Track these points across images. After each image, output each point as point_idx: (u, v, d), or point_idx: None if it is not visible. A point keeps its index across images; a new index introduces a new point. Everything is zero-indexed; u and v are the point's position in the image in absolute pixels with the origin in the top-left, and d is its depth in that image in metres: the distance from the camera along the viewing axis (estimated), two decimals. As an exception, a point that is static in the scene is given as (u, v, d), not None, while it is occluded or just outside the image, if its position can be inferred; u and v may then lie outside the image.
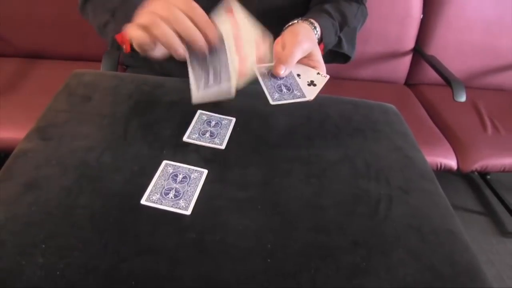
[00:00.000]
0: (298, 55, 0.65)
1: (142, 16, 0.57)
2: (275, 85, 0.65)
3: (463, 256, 0.52)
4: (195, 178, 0.55)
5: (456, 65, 1.63)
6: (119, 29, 0.65)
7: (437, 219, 0.57)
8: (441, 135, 1.40)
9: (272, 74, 0.66)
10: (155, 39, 0.56)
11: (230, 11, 0.63)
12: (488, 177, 1.91)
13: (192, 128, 0.65)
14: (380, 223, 0.54)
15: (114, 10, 0.69)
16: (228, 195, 0.54)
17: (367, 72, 1.67)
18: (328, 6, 0.81)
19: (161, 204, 0.51)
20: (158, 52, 0.62)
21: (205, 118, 0.68)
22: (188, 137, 0.63)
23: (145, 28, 0.56)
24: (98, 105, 0.67)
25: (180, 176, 0.55)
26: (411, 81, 1.73)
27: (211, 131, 0.65)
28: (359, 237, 0.51)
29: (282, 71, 0.65)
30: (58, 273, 0.42)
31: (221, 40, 0.60)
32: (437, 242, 0.53)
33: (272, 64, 0.66)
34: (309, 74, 0.68)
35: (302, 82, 0.66)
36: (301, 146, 0.65)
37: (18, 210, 0.47)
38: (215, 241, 0.47)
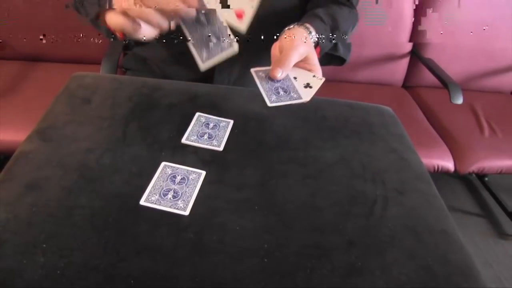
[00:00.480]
0: (295, 59, 0.67)
1: (117, 2, 0.59)
2: (273, 88, 0.66)
3: (457, 256, 0.53)
4: (193, 179, 0.56)
5: (453, 68, 1.65)
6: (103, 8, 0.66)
7: (431, 219, 0.58)
8: (438, 137, 1.41)
9: (269, 77, 0.67)
10: (135, 20, 0.58)
11: None
12: (486, 179, 1.92)
13: (191, 130, 0.66)
14: (375, 223, 0.55)
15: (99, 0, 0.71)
16: (226, 196, 0.55)
17: (365, 74, 1.68)
18: (319, 11, 0.82)
19: (159, 204, 0.52)
20: (146, 32, 0.63)
21: (204, 120, 0.69)
22: (187, 139, 0.64)
23: (123, 13, 0.58)
24: (97, 107, 0.68)
25: (179, 177, 0.56)
26: (408, 84, 1.74)
27: (209, 133, 0.66)
28: (354, 237, 0.52)
29: (279, 74, 0.66)
30: (58, 272, 0.42)
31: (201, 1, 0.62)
32: (432, 242, 0.54)
33: (269, 67, 0.68)
34: (305, 76, 0.69)
35: (299, 85, 0.67)
36: (298, 148, 0.66)
37: (19, 211, 0.48)
38: (213, 241, 0.48)
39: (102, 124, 0.65)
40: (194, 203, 0.53)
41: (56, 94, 0.71)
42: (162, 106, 0.71)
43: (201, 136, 0.65)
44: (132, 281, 0.43)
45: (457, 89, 1.34)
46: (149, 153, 0.60)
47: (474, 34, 1.65)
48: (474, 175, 1.98)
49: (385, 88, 1.69)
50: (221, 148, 0.64)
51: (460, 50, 1.66)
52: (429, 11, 1.59)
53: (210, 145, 0.64)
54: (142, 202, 0.51)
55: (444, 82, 1.44)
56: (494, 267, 1.58)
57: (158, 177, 0.56)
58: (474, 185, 1.95)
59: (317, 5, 0.86)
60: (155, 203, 0.52)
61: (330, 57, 0.89)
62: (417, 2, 1.60)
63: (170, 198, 0.53)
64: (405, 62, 1.69)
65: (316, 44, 0.77)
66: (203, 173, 0.58)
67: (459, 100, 1.32)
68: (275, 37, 0.74)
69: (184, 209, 0.51)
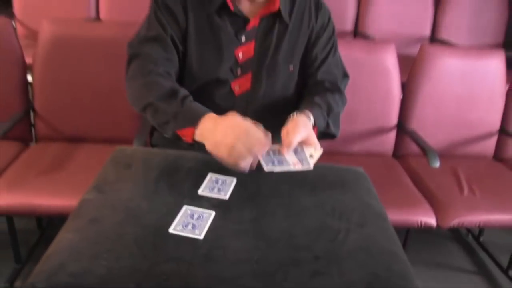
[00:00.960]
0: (298, 139, 0.92)
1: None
2: (276, 160, 0.91)
3: (399, 266, 0.72)
4: (206, 217, 0.78)
5: (435, 137, 1.88)
6: (179, 127, 0.92)
7: (383, 243, 0.78)
8: (422, 197, 1.60)
9: (276, 152, 0.92)
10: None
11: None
12: (481, 239, 2.06)
13: (205, 186, 0.89)
14: (337, 245, 0.75)
15: (176, 113, 0.94)
16: (228, 228, 0.76)
17: (358, 146, 1.92)
18: (317, 99, 1.09)
19: (182, 232, 0.73)
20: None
21: (214, 179, 0.92)
22: (202, 191, 0.87)
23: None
24: (136, 170, 0.93)
25: (196, 216, 0.78)
26: (398, 153, 1.97)
27: (218, 187, 0.89)
28: (320, 253, 0.72)
29: (286, 151, 0.92)
30: (114, 272, 0.64)
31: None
32: (380, 258, 0.73)
33: (276, 145, 0.92)
34: (307, 150, 0.94)
35: (302, 156, 0.93)
36: (284, 196, 0.88)
37: (87, 235, 0.71)
38: (219, 255, 0.69)
39: (140, 182, 0.88)
40: (206, 231, 0.74)
41: (94, 169, 0.94)
42: (183, 169, 0.95)
43: (212, 189, 0.88)
44: (164, 277, 0.63)
45: (433, 155, 1.56)
46: (175, 200, 0.83)
47: (454, 106, 1.90)
48: (470, 236, 2.12)
49: (377, 158, 1.91)
50: (227, 197, 0.86)
51: (440, 121, 1.91)
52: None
53: (219, 195, 0.86)
54: (170, 230, 0.74)
55: (423, 149, 1.67)
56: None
57: (181, 215, 0.78)
58: (471, 245, 2.08)
59: (312, 93, 1.12)
60: (180, 231, 0.74)
61: (323, 134, 1.13)
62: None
63: (190, 229, 0.75)
64: (393, 134, 1.93)
65: (314, 125, 1.02)
66: (213, 213, 0.80)
67: (436, 164, 1.53)
68: (280, 118, 0.98)
69: (200, 235, 0.73)
